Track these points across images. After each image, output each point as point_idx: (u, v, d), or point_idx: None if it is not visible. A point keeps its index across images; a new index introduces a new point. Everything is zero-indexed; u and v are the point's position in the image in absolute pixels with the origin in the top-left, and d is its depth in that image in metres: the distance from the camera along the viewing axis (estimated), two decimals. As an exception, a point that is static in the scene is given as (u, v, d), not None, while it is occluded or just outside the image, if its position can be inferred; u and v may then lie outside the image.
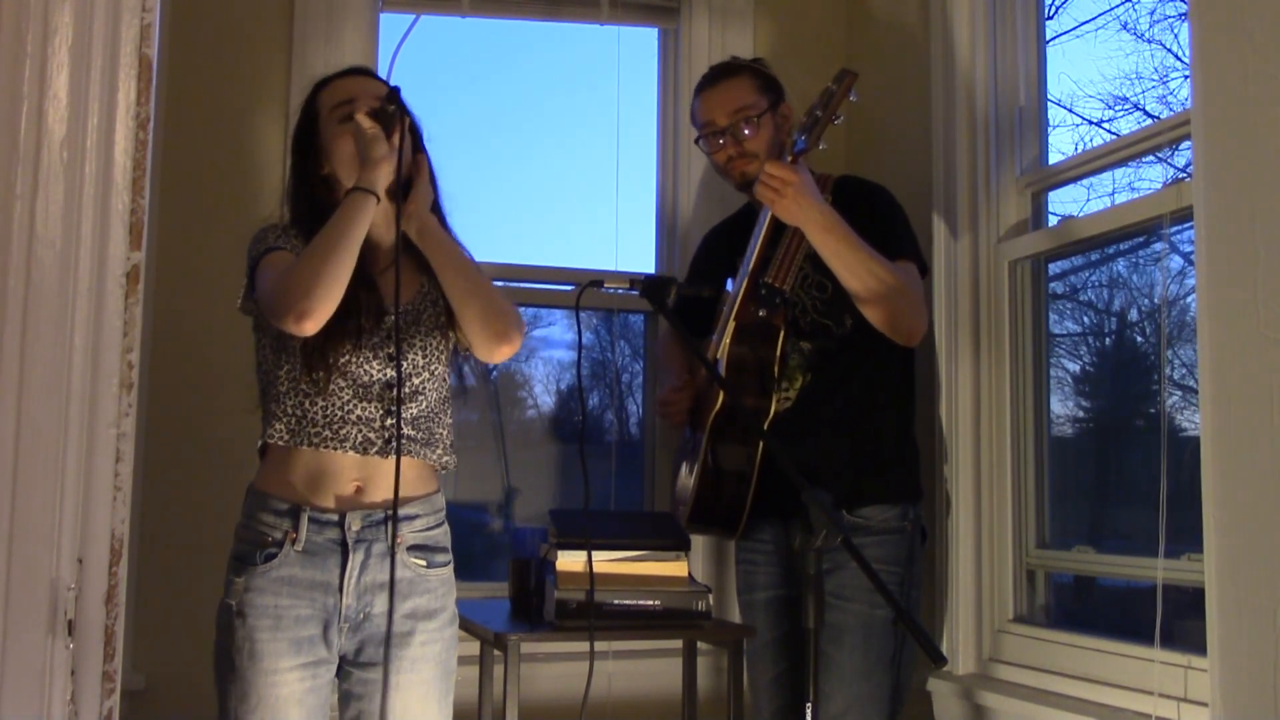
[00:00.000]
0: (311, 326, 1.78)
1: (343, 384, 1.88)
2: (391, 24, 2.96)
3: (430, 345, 1.95)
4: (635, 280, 2.06)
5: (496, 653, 2.36)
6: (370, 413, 1.89)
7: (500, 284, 3.03)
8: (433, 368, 1.96)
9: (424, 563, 1.92)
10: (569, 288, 3.05)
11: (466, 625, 2.36)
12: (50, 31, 1.24)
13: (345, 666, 1.90)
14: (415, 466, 1.92)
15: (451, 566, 1.98)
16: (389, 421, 1.89)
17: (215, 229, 2.70)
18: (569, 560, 2.27)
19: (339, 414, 1.87)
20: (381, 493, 1.88)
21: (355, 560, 1.86)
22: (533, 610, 2.41)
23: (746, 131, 2.40)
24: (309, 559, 1.85)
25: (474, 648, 2.52)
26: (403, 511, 1.89)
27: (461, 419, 3.17)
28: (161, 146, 2.61)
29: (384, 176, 1.86)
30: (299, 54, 2.78)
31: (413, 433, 1.92)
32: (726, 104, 2.42)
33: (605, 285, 2.09)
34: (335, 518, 1.86)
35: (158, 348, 2.58)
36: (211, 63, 2.75)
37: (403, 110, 1.90)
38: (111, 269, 1.27)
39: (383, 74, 2.91)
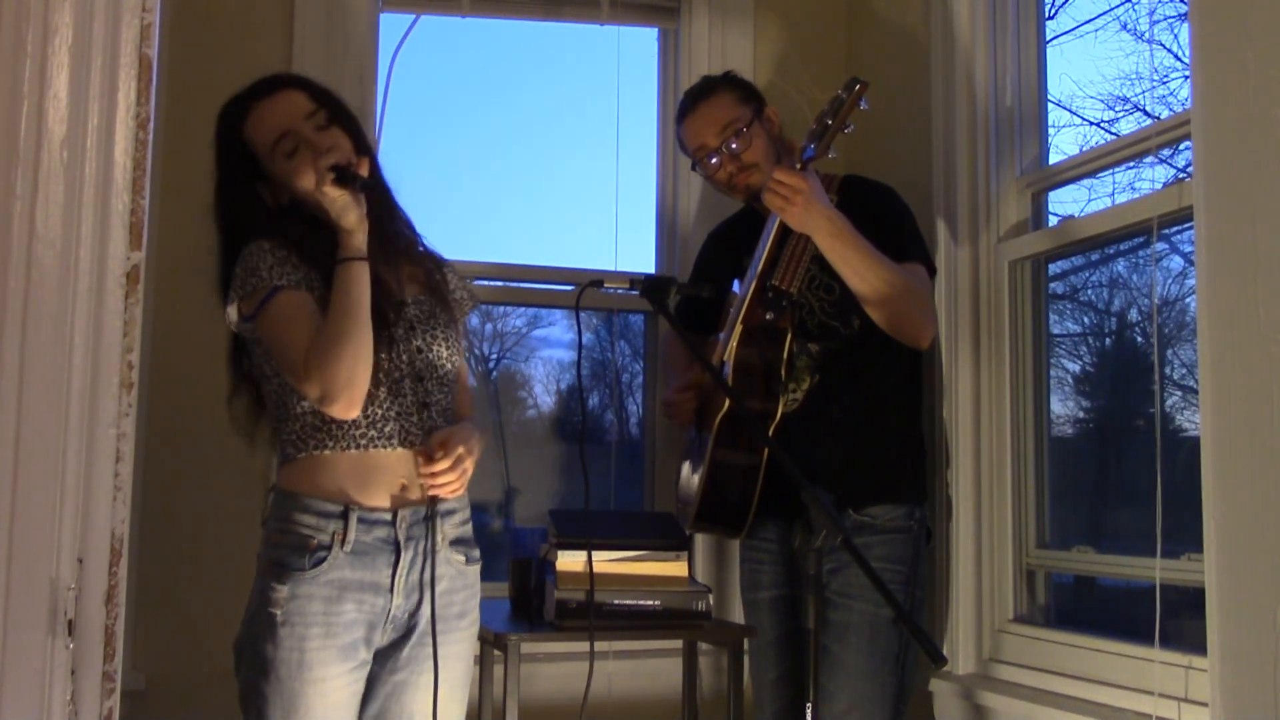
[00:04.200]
0: (357, 411, 1.82)
1: (379, 384, 1.87)
2: (391, 24, 2.96)
3: (451, 336, 1.97)
4: (635, 280, 2.06)
5: (496, 653, 2.36)
6: (406, 406, 1.89)
7: (500, 284, 3.05)
8: (454, 359, 1.97)
9: (463, 558, 1.93)
10: (569, 288, 3.05)
11: (466, 625, 2.35)
12: (50, 31, 1.24)
13: (373, 666, 1.87)
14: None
15: (480, 564, 1.99)
16: (424, 413, 1.89)
17: (215, 229, 2.70)
18: (569, 560, 2.27)
19: (380, 412, 1.86)
20: (420, 490, 1.87)
21: (406, 559, 1.85)
22: (533, 610, 2.41)
23: (738, 145, 2.40)
24: (358, 560, 1.82)
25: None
26: (444, 507, 1.90)
27: (461, 419, 3.18)
28: (161, 146, 2.61)
29: (364, 236, 1.85)
30: (299, 54, 2.78)
31: (443, 424, 1.92)
32: (713, 124, 2.42)
33: (605, 285, 2.09)
34: (387, 516, 1.84)
35: (158, 348, 2.58)
36: (211, 63, 2.75)
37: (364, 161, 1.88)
38: (111, 269, 1.27)
39: (383, 74, 2.92)
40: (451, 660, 1.89)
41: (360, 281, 1.82)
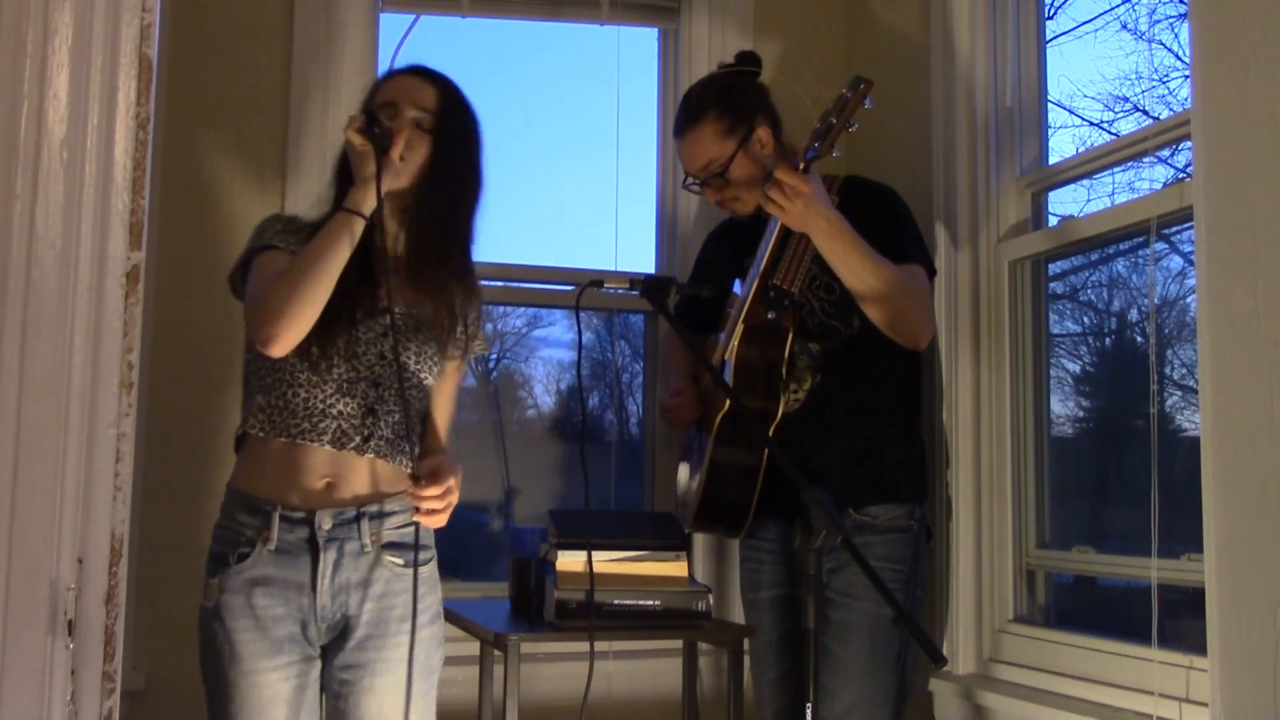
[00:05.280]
0: (278, 350, 1.79)
1: (329, 375, 1.87)
2: (391, 24, 2.96)
3: (425, 354, 1.95)
4: (635, 280, 2.06)
5: (496, 653, 2.36)
6: (351, 408, 1.87)
7: (500, 284, 3.05)
8: (421, 376, 1.95)
9: (401, 560, 1.90)
10: (569, 288, 3.05)
11: (466, 625, 2.36)
12: (50, 31, 1.24)
13: (323, 665, 1.88)
14: (387, 467, 1.90)
15: (434, 563, 1.96)
16: (368, 419, 1.88)
17: (215, 229, 2.70)
18: (569, 560, 2.27)
19: (320, 406, 1.86)
20: (352, 489, 1.87)
21: (326, 560, 1.84)
22: (533, 610, 2.41)
23: (717, 184, 2.41)
24: (282, 558, 1.83)
25: (474, 648, 2.52)
26: (377, 508, 1.88)
27: (461, 419, 3.17)
28: (161, 146, 2.61)
29: (374, 196, 1.83)
30: (299, 54, 2.78)
31: (389, 435, 1.90)
32: (694, 159, 2.43)
33: (605, 285, 2.09)
34: (304, 515, 1.84)
35: (158, 348, 2.58)
36: (211, 63, 2.75)
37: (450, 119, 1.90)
38: (111, 269, 1.27)
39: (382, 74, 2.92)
40: (399, 663, 1.86)
41: (345, 233, 1.81)
